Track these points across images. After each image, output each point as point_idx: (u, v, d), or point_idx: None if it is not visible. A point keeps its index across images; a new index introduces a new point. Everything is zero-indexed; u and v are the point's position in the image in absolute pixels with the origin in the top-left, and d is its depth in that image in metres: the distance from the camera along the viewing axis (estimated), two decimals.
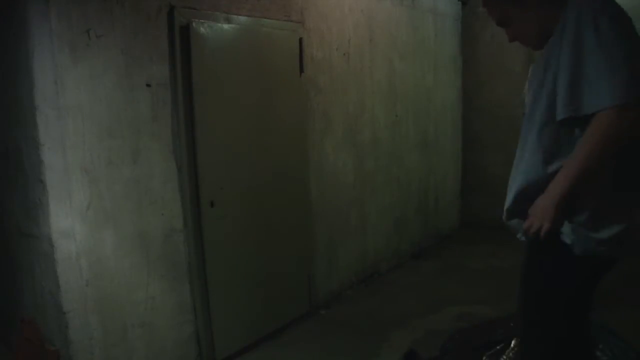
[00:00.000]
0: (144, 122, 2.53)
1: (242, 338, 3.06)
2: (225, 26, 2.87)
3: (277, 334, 3.28)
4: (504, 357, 2.32)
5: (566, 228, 1.53)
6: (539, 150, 1.55)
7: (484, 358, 2.36)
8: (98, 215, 2.37)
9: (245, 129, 3.01)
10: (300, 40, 3.39)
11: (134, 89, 2.48)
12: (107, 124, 2.39)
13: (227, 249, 2.94)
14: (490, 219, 5.56)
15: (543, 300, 1.66)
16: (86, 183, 2.32)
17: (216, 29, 2.80)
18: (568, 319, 1.65)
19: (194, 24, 2.64)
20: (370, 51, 4.09)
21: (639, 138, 1.45)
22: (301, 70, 3.39)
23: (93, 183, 2.34)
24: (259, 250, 3.14)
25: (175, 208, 2.70)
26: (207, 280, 2.84)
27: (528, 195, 1.57)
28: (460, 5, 5.44)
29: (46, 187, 2.20)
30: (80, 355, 2.34)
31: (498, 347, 2.36)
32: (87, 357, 2.37)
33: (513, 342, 2.33)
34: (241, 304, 3.05)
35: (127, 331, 2.52)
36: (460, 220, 5.72)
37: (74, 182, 2.28)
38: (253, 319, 3.12)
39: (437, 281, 4.18)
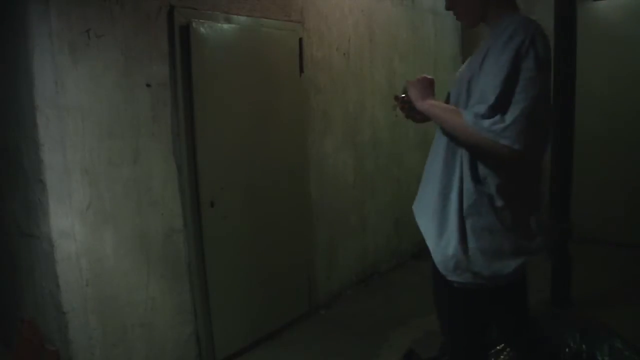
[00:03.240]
0: (144, 122, 2.53)
1: (242, 338, 3.06)
2: (225, 26, 2.87)
3: (277, 334, 3.28)
4: (504, 357, 2.32)
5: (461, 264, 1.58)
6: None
7: None
8: (98, 215, 2.37)
9: (245, 129, 3.01)
10: (300, 40, 3.39)
11: (134, 89, 2.48)
12: (107, 124, 2.39)
13: (227, 249, 2.94)
14: None
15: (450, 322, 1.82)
16: (86, 183, 2.32)
17: (216, 29, 2.80)
18: (470, 338, 1.74)
19: (194, 24, 2.64)
20: (370, 51, 4.09)
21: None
22: (301, 70, 3.39)
23: (93, 183, 2.34)
24: (258, 250, 3.14)
25: (175, 208, 2.70)
26: (207, 280, 2.84)
27: None
28: None
29: (46, 187, 2.20)
30: (80, 355, 2.34)
31: (498, 347, 2.36)
32: (87, 357, 2.37)
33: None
34: (241, 304, 3.05)
35: (127, 331, 2.52)
36: None
37: (74, 182, 2.28)
38: (253, 319, 3.12)
39: None
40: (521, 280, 1.76)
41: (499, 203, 1.54)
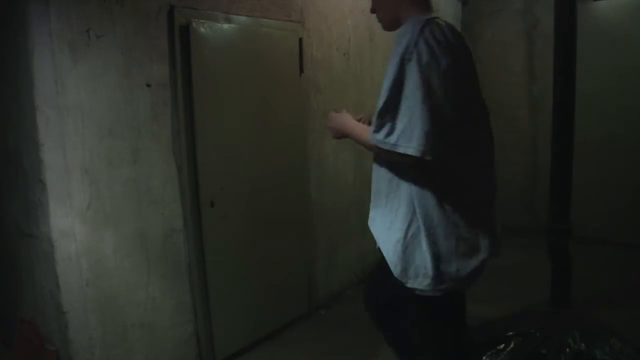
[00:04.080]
0: (144, 122, 2.53)
1: (242, 338, 3.06)
2: (225, 26, 2.87)
3: (277, 334, 3.28)
4: (504, 356, 2.32)
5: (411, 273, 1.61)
6: None
7: (484, 358, 2.35)
8: (98, 215, 2.37)
9: (245, 129, 3.01)
10: (300, 40, 3.39)
11: (134, 89, 2.48)
12: (107, 124, 2.39)
13: (227, 249, 2.94)
14: None
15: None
16: (86, 183, 2.32)
17: (216, 29, 2.80)
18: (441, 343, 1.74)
19: (194, 24, 2.64)
20: (370, 51, 4.09)
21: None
22: (301, 70, 3.39)
23: (93, 183, 2.34)
24: (258, 250, 3.14)
25: (175, 208, 2.70)
26: (207, 280, 2.84)
27: None
28: (460, 5, 5.44)
29: (46, 187, 2.20)
30: (80, 355, 2.34)
31: (498, 347, 2.36)
32: (87, 357, 2.37)
33: (513, 342, 2.34)
34: (241, 304, 3.05)
35: (127, 331, 2.52)
36: None
37: (74, 182, 2.28)
38: (253, 319, 3.12)
39: None
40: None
41: (446, 206, 1.56)
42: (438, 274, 1.56)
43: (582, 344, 2.21)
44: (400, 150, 1.47)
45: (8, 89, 2.35)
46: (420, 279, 1.58)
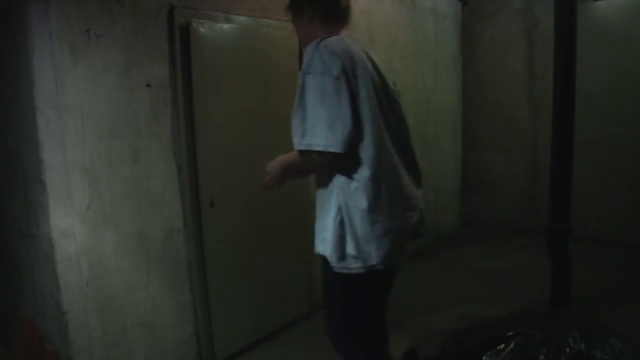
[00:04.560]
0: (144, 122, 2.53)
1: (242, 338, 3.06)
2: (225, 26, 2.87)
3: (277, 334, 3.28)
4: (503, 356, 2.32)
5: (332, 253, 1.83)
6: None
7: (484, 358, 2.35)
8: (98, 215, 2.37)
9: (245, 129, 3.01)
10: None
11: (134, 89, 2.48)
12: (107, 124, 2.39)
13: (227, 249, 2.94)
14: (490, 219, 5.58)
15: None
16: (86, 183, 2.32)
17: (216, 29, 2.80)
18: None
19: (194, 24, 2.64)
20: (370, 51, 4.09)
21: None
22: None
23: (93, 183, 2.34)
24: (258, 250, 3.14)
25: (175, 208, 2.70)
26: (207, 280, 2.84)
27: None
28: (460, 5, 5.44)
29: (46, 187, 2.20)
30: (80, 355, 2.34)
31: (498, 347, 2.36)
32: (87, 357, 2.37)
33: (513, 342, 2.33)
34: (241, 304, 3.05)
35: (127, 331, 2.52)
36: (460, 220, 5.72)
37: (74, 182, 2.28)
38: (253, 319, 3.12)
39: (437, 281, 4.18)
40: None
41: (362, 194, 1.77)
42: (361, 255, 1.79)
43: (582, 344, 2.21)
44: (311, 147, 1.72)
45: (8, 89, 2.35)
46: (348, 261, 1.80)
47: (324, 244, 1.85)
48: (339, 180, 1.81)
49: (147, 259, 2.58)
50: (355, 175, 1.77)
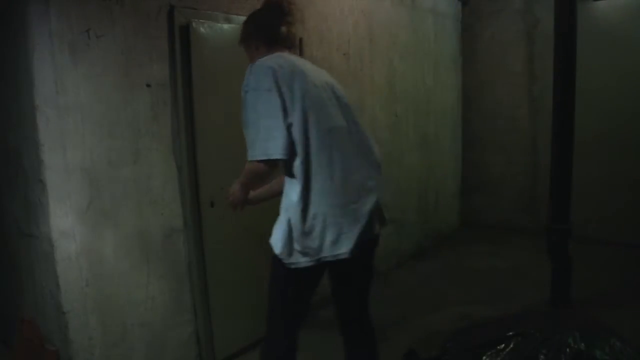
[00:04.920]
0: (144, 122, 2.53)
1: (242, 338, 3.06)
2: (225, 26, 2.87)
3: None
4: (503, 356, 2.32)
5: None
6: None
7: (484, 358, 2.35)
8: (98, 215, 2.37)
9: None
10: (300, 40, 3.39)
11: (134, 89, 2.48)
12: (107, 124, 2.39)
13: (227, 249, 2.94)
14: (491, 219, 5.58)
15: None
16: (86, 183, 2.32)
17: (216, 29, 2.80)
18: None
19: (194, 24, 2.64)
20: (370, 51, 4.09)
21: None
22: None
23: (93, 183, 2.34)
24: (258, 250, 3.13)
25: (175, 208, 2.70)
26: (207, 280, 2.84)
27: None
28: (460, 5, 5.45)
29: (46, 187, 2.20)
30: (80, 355, 2.34)
31: (498, 347, 2.36)
32: (87, 357, 2.37)
33: (513, 342, 2.33)
34: (241, 304, 3.04)
35: (127, 331, 2.52)
36: (460, 220, 5.72)
37: (74, 182, 2.28)
38: (253, 319, 3.12)
39: (437, 281, 4.18)
40: (359, 264, 2.07)
41: (303, 194, 1.91)
42: (305, 250, 1.91)
43: (582, 344, 2.21)
44: (258, 158, 1.91)
45: (8, 89, 2.35)
46: (295, 256, 1.93)
47: (275, 240, 2.01)
48: (286, 181, 1.99)
49: (147, 259, 2.58)
50: (295, 175, 1.92)
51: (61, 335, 2.33)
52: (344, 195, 1.91)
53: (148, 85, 2.53)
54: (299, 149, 1.89)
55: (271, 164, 1.90)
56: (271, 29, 2.08)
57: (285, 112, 1.87)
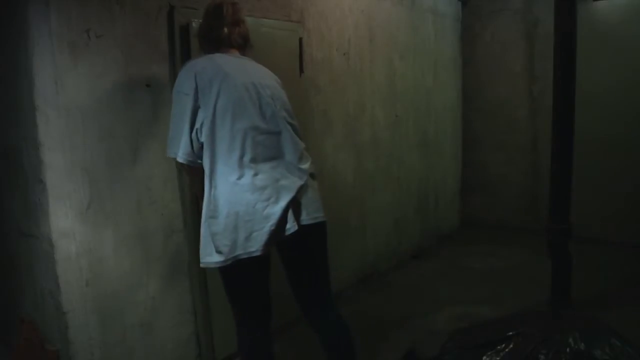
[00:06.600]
0: (144, 122, 2.53)
1: None
2: None
3: (277, 334, 3.28)
4: (503, 356, 2.32)
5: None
6: None
7: (484, 358, 2.35)
8: (98, 215, 2.37)
9: None
10: (300, 40, 3.39)
11: (134, 89, 2.48)
12: (107, 124, 2.39)
13: None
14: (490, 219, 5.58)
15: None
16: (86, 183, 2.32)
17: None
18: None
19: (194, 24, 2.64)
20: (370, 51, 4.09)
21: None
22: (301, 70, 3.39)
23: (93, 183, 2.34)
24: None
25: (175, 208, 2.70)
26: (207, 280, 2.84)
27: None
28: (460, 5, 5.45)
29: (46, 187, 2.20)
30: (80, 355, 2.34)
31: (498, 347, 2.36)
32: (87, 357, 2.37)
33: (513, 342, 2.33)
34: None
35: (127, 331, 2.52)
36: (460, 220, 5.73)
37: (74, 182, 2.28)
38: None
39: (437, 281, 4.18)
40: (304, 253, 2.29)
41: (214, 192, 1.97)
42: (220, 249, 1.95)
43: (582, 344, 2.21)
44: (168, 154, 2.00)
45: (8, 89, 2.35)
46: (213, 256, 1.98)
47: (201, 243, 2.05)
48: (205, 179, 2.02)
49: (147, 259, 2.58)
50: (206, 175, 1.98)
51: (61, 335, 2.33)
52: (252, 194, 1.95)
53: (148, 85, 2.53)
54: (208, 150, 1.95)
55: (183, 164, 2.02)
56: (211, 31, 2.15)
57: (194, 116, 1.95)
